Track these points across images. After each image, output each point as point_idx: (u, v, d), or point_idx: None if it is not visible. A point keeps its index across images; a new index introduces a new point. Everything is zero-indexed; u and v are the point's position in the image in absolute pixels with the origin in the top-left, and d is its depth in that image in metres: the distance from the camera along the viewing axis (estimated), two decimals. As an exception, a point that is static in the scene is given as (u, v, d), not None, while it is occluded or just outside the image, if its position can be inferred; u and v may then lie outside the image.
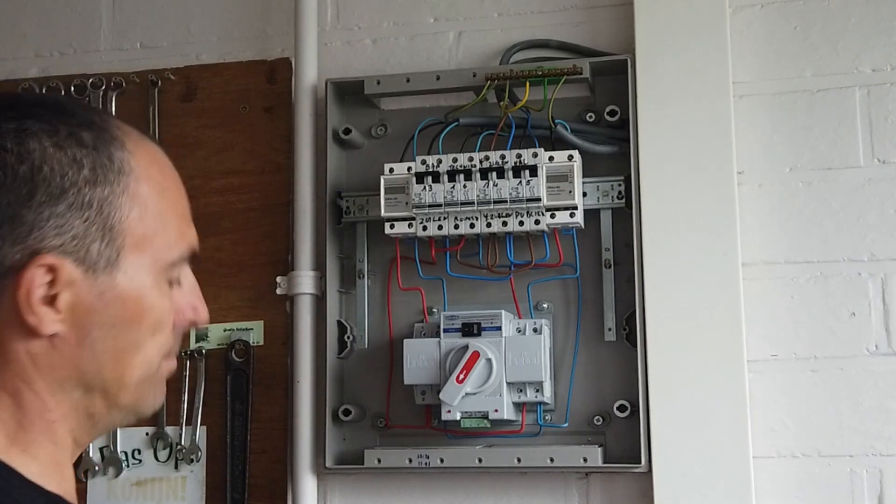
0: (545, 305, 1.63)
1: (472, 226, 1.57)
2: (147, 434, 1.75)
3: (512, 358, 1.55)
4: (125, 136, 0.91)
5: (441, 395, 1.54)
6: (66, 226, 0.86)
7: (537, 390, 1.57)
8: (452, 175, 1.57)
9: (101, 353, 0.89)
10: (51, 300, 0.86)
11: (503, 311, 1.58)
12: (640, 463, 1.53)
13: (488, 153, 1.57)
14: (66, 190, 0.86)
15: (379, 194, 1.60)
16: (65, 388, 0.89)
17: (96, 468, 1.75)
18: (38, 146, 0.85)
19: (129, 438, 1.75)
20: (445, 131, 1.63)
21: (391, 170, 1.60)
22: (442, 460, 1.58)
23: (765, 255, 1.59)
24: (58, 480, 0.89)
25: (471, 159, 1.57)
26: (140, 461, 1.75)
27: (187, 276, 0.96)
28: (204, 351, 1.75)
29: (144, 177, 0.91)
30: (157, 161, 0.94)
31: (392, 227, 1.60)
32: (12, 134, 0.85)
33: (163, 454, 1.74)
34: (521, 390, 1.57)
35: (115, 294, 0.88)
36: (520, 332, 1.58)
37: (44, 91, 1.84)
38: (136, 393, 0.92)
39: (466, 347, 1.55)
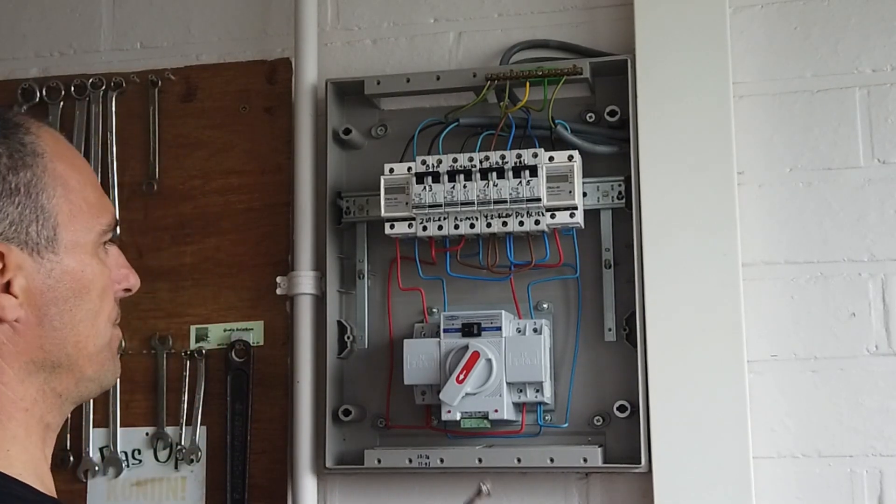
0: (545, 305, 1.63)
1: (472, 226, 1.57)
2: (147, 434, 1.75)
3: (512, 358, 1.55)
4: (26, 122, 0.94)
5: (441, 396, 1.54)
6: (1, 214, 0.89)
7: (537, 390, 1.56)
8: (452, 175, 1.57)
9: (60, 330, 0.93)
10: (5, 287, 0.89)
11: (503, 312, 1.58)
12: (640, 463, 1.53)
13: (488, 153, 1.57)
14: None
15: (379, 194, 1.60)
16: (31, 371, 0.92)
17: (96, 468, 1.75)
18: None
19: (129, 438, 1.75)
20: (445, 131, 1.63)
21: (391, 170, 1.60)
22: (442, 460, 1.58)
23: (765, 255, 1.59)
24: (38, 475, 0.91)
25: (471, 159, 1.57)
26: (140, 461, 1.75)
27: (110, 246, 1.00)
28: (204, 351, 1.75)
29: (57, 156, 0.94)
30: (61, 140, 0.97)
31: (392, 227, 1.60)
32: None
33: (163, 454, 1.74)
34: (521, 390, 1.57)
35: (61, 270, 0.92)
36: (520, 332, 1.58)
37: (44, 91, 1.84)
38: (98, 362, 0.96)
39: (466, 347, 1.55)
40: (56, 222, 0.92)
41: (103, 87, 1.83)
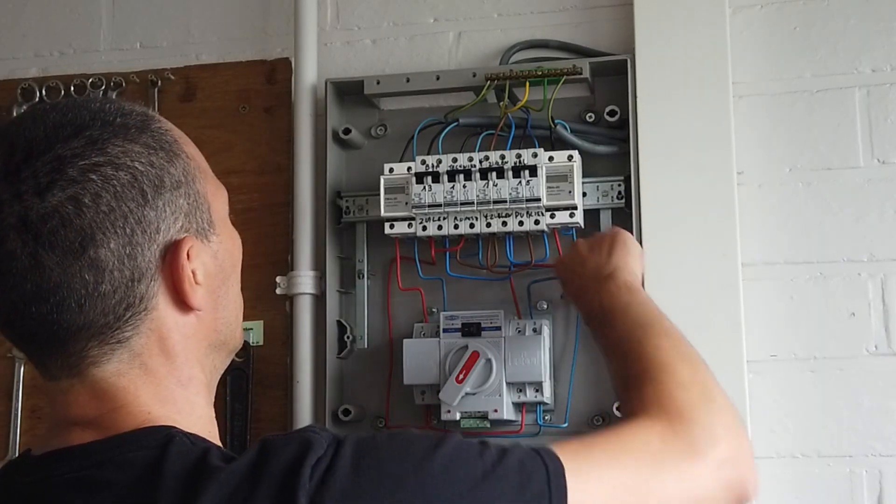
0: (545, 305, 1.63)
1: (471, 226, 1.57)
2: (147, 434, 1.75)
3: (512, 358, 1.55)
4: (143, 108, 0.93)
5: (441, 396, 1.54)
6: (177, 209, 0.89)
7: (537, 390, 1.56)
8: (452, 175, 1.57)
9: (227, 308, 0.95)
10: (192, 278, 0.90)
11: (503, 312, 1.58)
12: (639, 463, 1.53)
13: (488, 153, 1.57)
14: (162, 177, 0.88)
15: (379, 194, 1.60)
16: (208, 354, 0.94)
17: (96, 468, 1.75)
18: (117, 149, 0.86)
19: (129, 438, 1.75)
20: (445, 131, 1.63)
21: (391, 170, 1.60)
22: (441, 460, 1.57)
23: (764, 255, 1.59)
24: None
25: (470, 159, 1.57)
26: (140, 461, 1.74)
27: None
28: (204, 351, 1.75)
29: (182, 140, 0.94)
30: (167, 121, 0.97)
31: (392, 227, 1.60)
32: (89, 147, 0.85)
33: (162, 454, 1.74)
34: (520, 390, 1.57)
35: (222, 249, 0.95)
36: (519, 332, 1.58)
37: (43, 91, 1.84)
38: (240, 330, 0.99)
39: (466, 347, 1.55)
40: (208, 204, 0.93)
41: (103, 87, 1.83)
